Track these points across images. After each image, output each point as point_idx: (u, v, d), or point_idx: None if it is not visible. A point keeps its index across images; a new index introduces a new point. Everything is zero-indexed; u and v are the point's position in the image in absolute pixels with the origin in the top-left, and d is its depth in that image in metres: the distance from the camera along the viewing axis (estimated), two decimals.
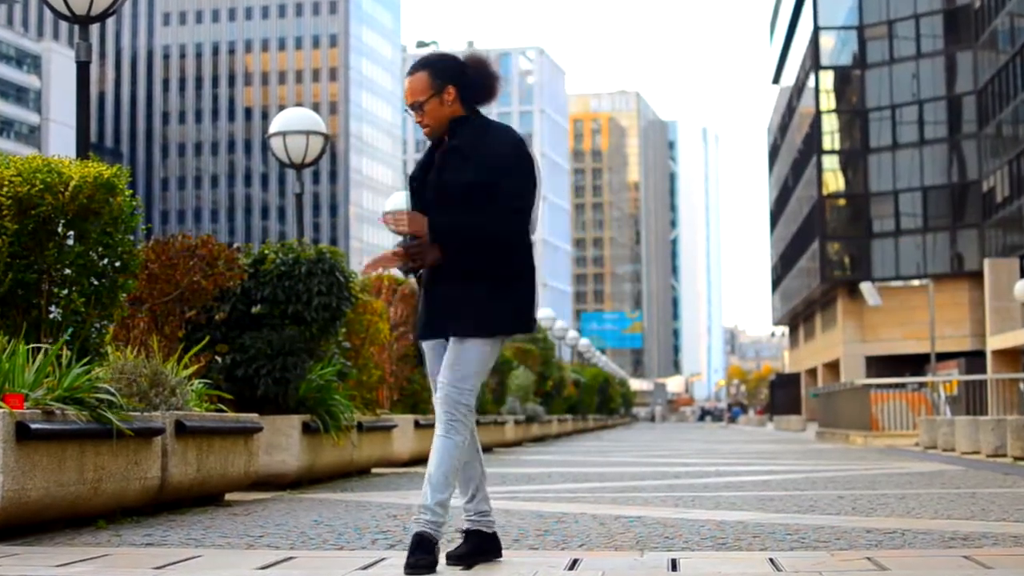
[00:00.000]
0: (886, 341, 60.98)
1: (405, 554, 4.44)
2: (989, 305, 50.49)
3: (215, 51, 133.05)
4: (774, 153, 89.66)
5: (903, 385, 26.73)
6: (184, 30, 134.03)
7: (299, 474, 9.84)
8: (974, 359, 48.04)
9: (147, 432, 6.75)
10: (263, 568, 4.66)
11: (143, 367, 7.33)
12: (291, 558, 4.97)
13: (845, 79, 64.75)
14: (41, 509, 5.86)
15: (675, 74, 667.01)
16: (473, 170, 4.50)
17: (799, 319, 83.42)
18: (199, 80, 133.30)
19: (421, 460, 14.29)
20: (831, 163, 64.85)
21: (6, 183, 6.83)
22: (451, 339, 4.54)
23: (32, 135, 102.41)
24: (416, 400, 15.06)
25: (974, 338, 56.40)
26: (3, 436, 5.55)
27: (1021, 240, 50.93)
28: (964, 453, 16.82)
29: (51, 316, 7.10)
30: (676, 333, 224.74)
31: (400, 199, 17.81)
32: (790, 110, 78.22)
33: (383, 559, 4.88)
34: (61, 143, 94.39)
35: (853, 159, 63.43)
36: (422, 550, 4.37)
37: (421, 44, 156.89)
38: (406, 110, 4.66)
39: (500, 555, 4.70)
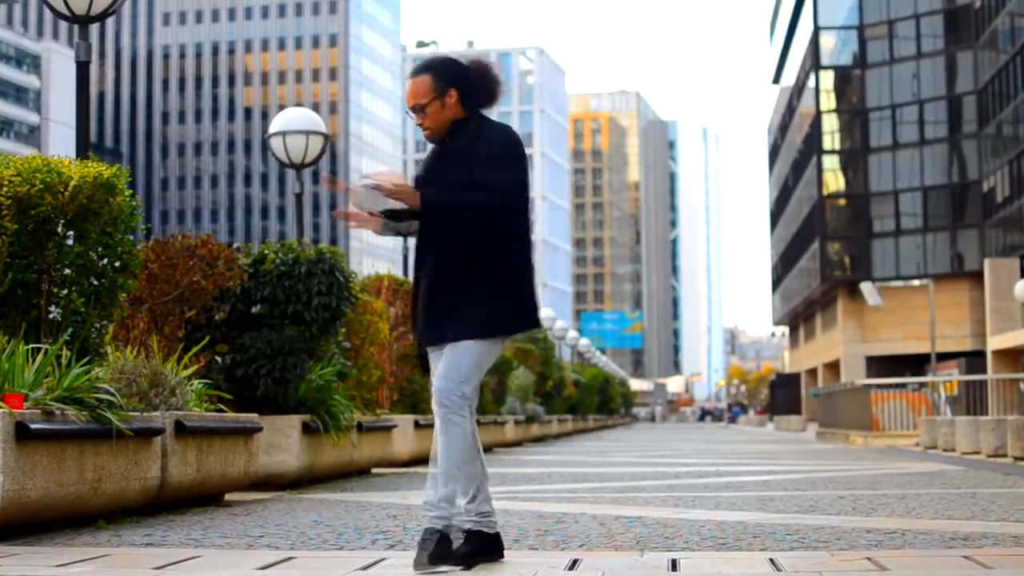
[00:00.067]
0: (886, 341, 60.98)
1: (405, 554, 4.45)
2: (989, 305, 50.48)
3: (215, 51, 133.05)
4: (774, 153, 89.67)
5: (903, 385, 26.73)
6: (184, 30, 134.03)
7: (299, 474, 9.84)
8: (974, 359, 48.05)
9: (147, 432, 6.74)
10: (263, 568, 4.66)
11: (143, 367, 7.32)
12: (291, 558, 4.97)
13: (845, 79, 64.75)
14: (41, 509, 5.86)
15: (675, 74, 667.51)
16: (472, 169, 4.54)
17: (799, 319, 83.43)
18: (199, 80, 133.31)
19: (421, 460, 14.29)
20: (831, 163, 64.85)
21: (6, 183, 6.83)
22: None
23: (32, 135, 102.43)
24: (416, 400, 15.05)
25: (974, 338, 56.40)
26: (3, 436, 5.54)
27: (1021, 240, 50.93)
28: (964, 453, 16.82)
29: (51, 316, 7.10)
30: (676, 333, 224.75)
31: None
32: (790, 110, 78.24)
33: (383, 559, 4.88)
34: (61, 143, 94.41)
35: (853, 159, 63.44)
36: (428, 545, 4.46)
37: (421, 44, 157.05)
38: (407, 112, 4.70)
39: (502, 555, 4.70)
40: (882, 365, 58.21)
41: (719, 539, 5.60)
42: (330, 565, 4.79)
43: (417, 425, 13.96)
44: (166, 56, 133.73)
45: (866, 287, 48.11)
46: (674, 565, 4.66)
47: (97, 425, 6.21)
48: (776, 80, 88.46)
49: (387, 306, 14.32)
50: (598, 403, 46.10)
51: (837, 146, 64.61)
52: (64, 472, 5.99)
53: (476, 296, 4.54)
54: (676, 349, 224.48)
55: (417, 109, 4.64)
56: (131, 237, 7.47)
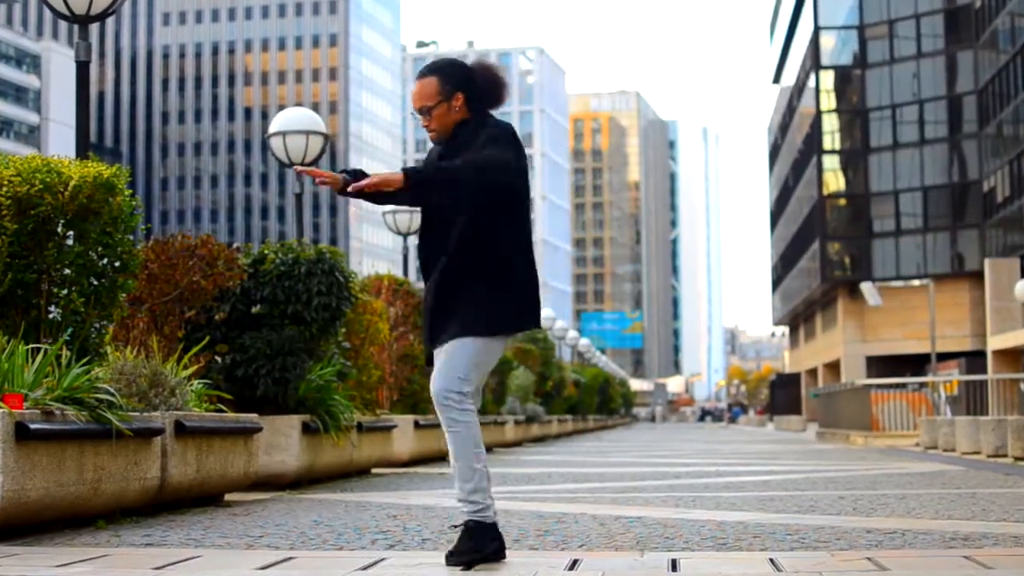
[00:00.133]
0: (886, 341, 60.99)
1: (405, 554, 4.44)
2: (990, 305, 50.48)
3: (215, 51, 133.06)
4: (774, 153, 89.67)
5: (903, 385, 26.72)
6: (184, 30, 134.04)
7: (299, 474, 9.83)
8: (974, 359, 48.06)
9: (147, 432, 6.74)
10: (263, 568, 4.65)
11: (143, 367, 7.32)
12: (291, 558, 4.96)
13: (845, 79, 64.75)
14: (41, 509, 5.86)
15: (675, 74, 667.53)
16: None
17: (799, 319, 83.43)
18: (199, 80, 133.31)
19: (421, 460, 14.30)
20: (831, 163, 64.85)
21: (6, 183, 6.83)
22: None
23: (32, 135, 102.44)
24: (416, 400, 15.05)
25: (974, 338, 56.40)
26: (3, 436, 5.54)
27: (1022, 240, 50.93)
28: (965, 453, 16.81)
29: (50, 316, 7.10)
30: (676, 333, 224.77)
31: None
32: (790, 110, 78.24)
33: (383, 559, 4.87)
34: (61, 143, 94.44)
35: (853, 159, 63.44)
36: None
37: (421, 44, 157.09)
38: (413, 113, 4.73)
39: (504, 556, 4.70)
40: (882, 365, 58.22)
41: (719, 539, 5.60)
42: (330, 565, 4.78)
43: (417, 425, 13.95)
44: (166, 56, 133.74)
45: (866, 287, 48.13)
46: (674, 565, 4.66)
47: (97, 425, 6.20)
48: (776, 80, 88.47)
49: (387, 306, 14.31)
50: (598, 403, 46.09)
51: (837, 146, 64.61)
52: (64, 472, 5.98)
53: (476, 294, 4.56)
54: (676, 349, 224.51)
55: (424, 111, 4.67)
56: (131, 237, 7.47)
